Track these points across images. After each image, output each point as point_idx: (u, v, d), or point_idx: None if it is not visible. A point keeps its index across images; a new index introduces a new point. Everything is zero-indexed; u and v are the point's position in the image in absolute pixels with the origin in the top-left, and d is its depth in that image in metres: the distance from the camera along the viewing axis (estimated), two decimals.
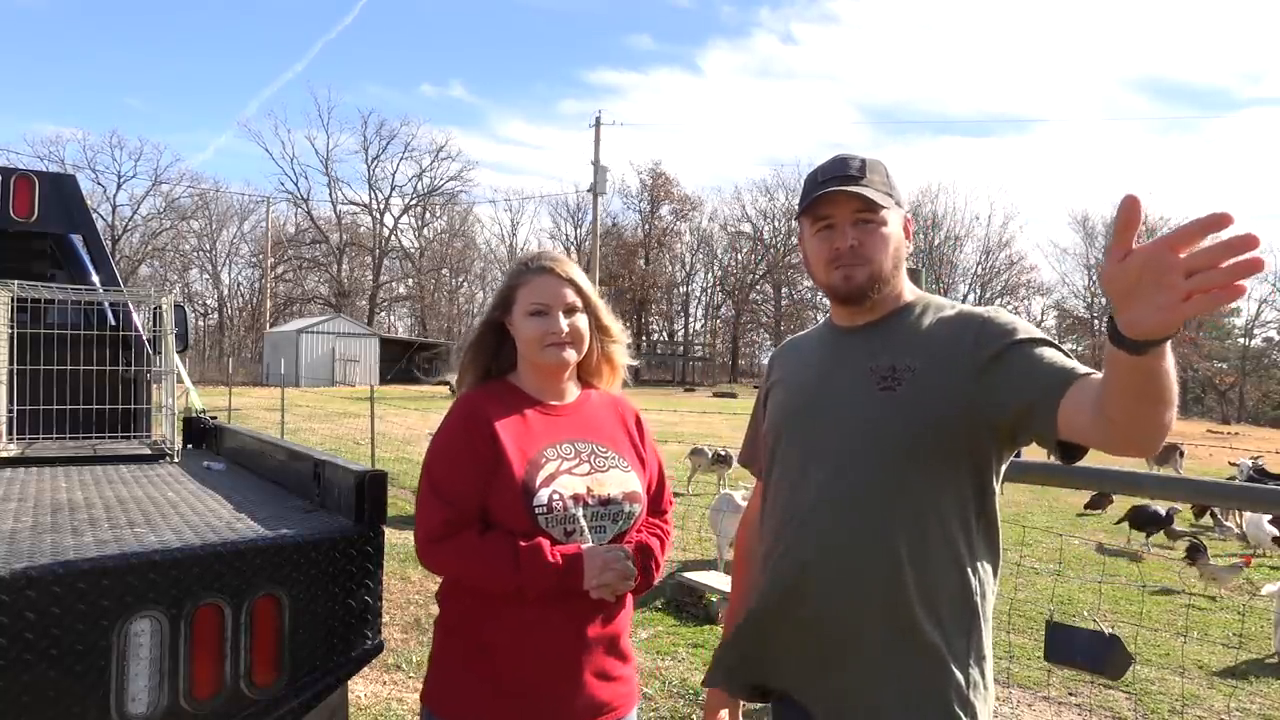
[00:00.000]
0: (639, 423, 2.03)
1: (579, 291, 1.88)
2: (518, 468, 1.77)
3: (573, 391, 1.95)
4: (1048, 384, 1.43)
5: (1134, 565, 7.71)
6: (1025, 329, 1.54)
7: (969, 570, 1.57)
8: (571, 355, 1.87)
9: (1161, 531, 8.71)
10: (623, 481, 1.87)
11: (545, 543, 1.72)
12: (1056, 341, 1.54)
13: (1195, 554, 7.07)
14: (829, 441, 1.62)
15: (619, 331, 1.99)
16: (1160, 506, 8.53)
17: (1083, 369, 1.44)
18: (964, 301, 1.81)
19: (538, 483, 1.77)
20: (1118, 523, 9.31)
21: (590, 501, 1.80)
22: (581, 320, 1.88)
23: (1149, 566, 7.94)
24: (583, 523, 1.79)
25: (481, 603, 1.78)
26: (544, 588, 1.71)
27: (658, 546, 1.91)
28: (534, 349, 1.86)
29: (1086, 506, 11.01)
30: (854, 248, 1.62)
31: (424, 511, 1.79)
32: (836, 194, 1.61)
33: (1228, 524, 9.80)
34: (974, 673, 1.56)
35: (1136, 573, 7.12)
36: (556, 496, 1.77)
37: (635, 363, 2.07)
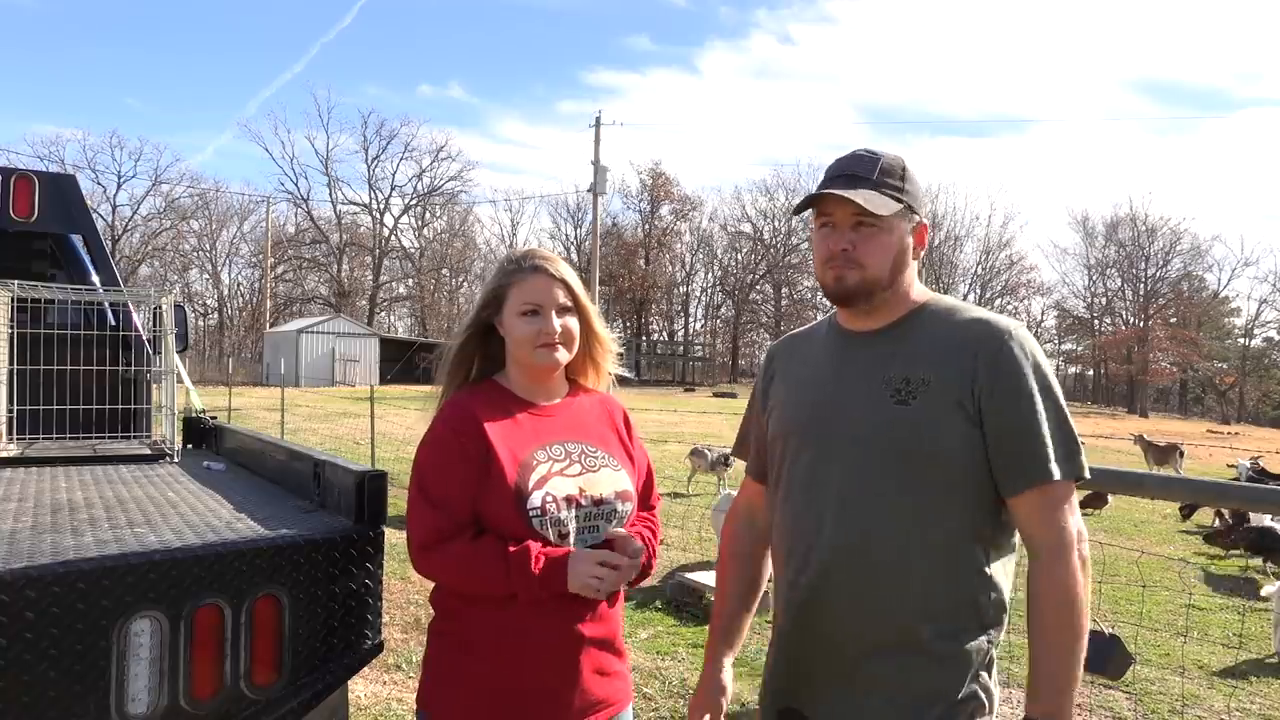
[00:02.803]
0: (626, 420, 2.02)
1: (570, 292, 1.87)
2: (509, 471, 1.76)
3: (561, 391, 1.94)
4: (1015, 477, 1.52)
5: (1134, 565, 7.70)
6: (1030, 382, 1.53)
7: (986, 581, 1.57)
8: (563, 356, 1.86)
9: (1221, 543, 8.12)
10: (614, 480, 1.86)
11: (533, 547, 1.72)
12: (1054, 394, 1.55)
13: None
14: (842, 455, 1.60)
15: (609, 340, 1.97)
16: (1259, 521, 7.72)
17: (1049, 465, 1.51)
18: (964, 300, 1.79)
19: (530, 485, 1.76)
20: (1220, 542, 8.70)
21: (584, 502, 1.80)
22: (573, 321, 1.87)
23: (1148, 566, 7.93)
24: (572, 525, 1.78)
25: (474, 605, 1.77)
26: (531, 593, 1.71)
27: (650, 539, 1.92)
28: (525, 350, 1.84)
29: (1081, 505, 11.00)
30: (846, 251, 1.59)
31: (415, 518, 1.77)
32: (832, 198, 1.58)
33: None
34: (985, 678, 1.57)
35: (1136, 573, 7.11)
36: (549, 499, 1.76)
37: (625, 372, 2.05)
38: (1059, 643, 1.48)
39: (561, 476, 1.80)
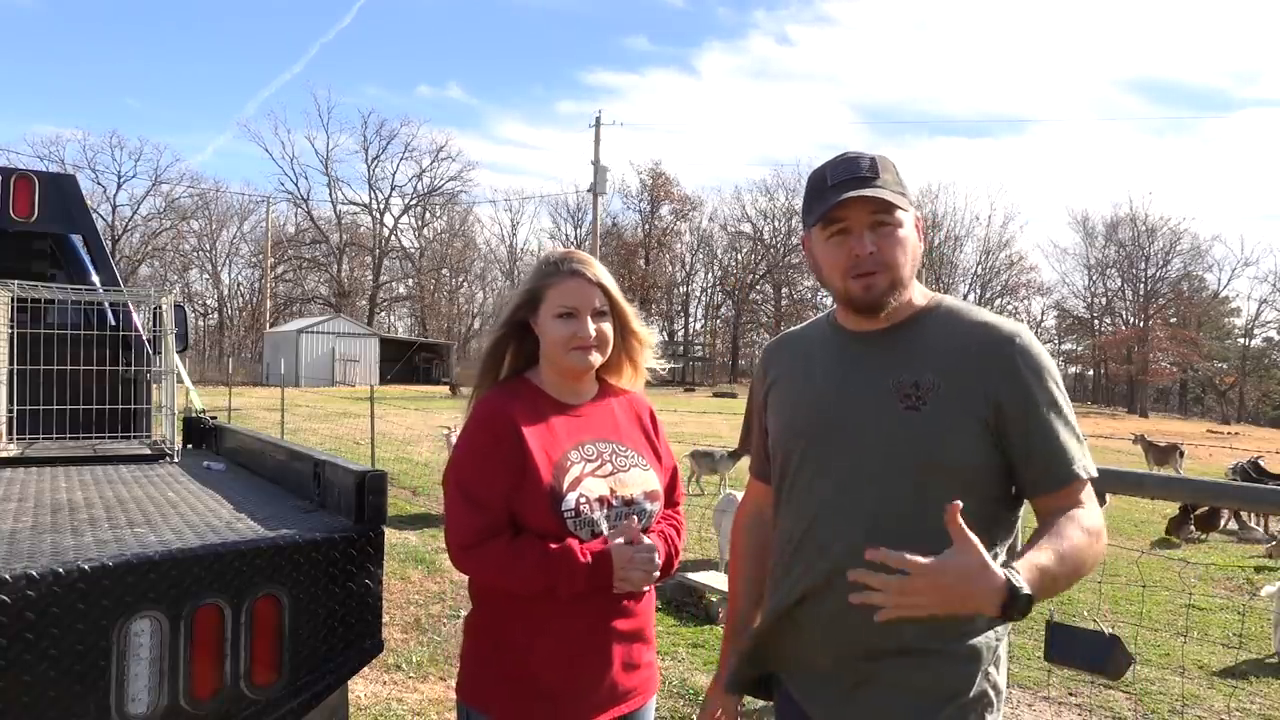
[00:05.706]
0: (653, 418, 2.06)
1: (607, 295, 1.90)
2: (544, 471, 1.79)
3: (592, 390, 1.98)
4: (1047, 479, 1.53)
5: (1134, 565, 7.70)
6: (1045, 385, 1.53)
7: None
8: (596, 359, 1.89)
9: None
10: (643, 480, 1.91)
11: (575, 545, 1.76)
12: (1065, 397, 1.56)
13: None
14: (848, 460, 1.58)
15: (647, 335, 1.99)
16: None
17: (1077, 466, 1.52)
18: (964, 300, 1.78)
19: (565, 487, 1.80)
20: (1176, 532, 9.30)
21: (614, 503, 1.84)
22: (607, 325, 1.90)
23: (1148, 566, 7.92)
24: (604, 525, 1.82)
25: (513, 601, 1.81)
26: (576, 588, 1.75)
27: (675, 537, 1.96)
28: (560, 351, 1.87)
29: None
30: (873, 254, 1.55)
31: (455, 518, 1.81)
32: (852, 199, 1.53)
33: (1252, 525, 9.80)
34: (994, 674, 1.57)
35: (1136, 573, 7.11)
36: (583, 499, 1.80)
37: (661, 365, 2.06)
38: (1070, 548, 1.43)
39: (594, 477, 1.84)
